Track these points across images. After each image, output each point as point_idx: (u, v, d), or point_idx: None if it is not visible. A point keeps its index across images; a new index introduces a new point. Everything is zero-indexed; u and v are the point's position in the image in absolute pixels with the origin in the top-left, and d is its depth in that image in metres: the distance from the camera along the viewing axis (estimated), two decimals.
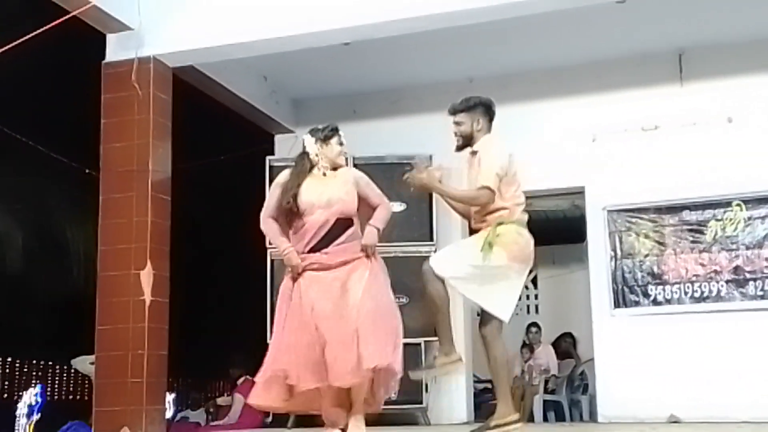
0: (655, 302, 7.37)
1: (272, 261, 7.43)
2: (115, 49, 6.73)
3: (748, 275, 7.14)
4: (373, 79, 8.12)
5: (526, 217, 4.98)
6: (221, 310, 14.16)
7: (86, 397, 14.88)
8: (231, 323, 13.35)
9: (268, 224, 4.93)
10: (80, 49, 7.46)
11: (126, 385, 6.23)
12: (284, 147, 8.49)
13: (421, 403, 7.28)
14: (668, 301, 7.35)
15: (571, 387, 9.11)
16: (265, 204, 4.97)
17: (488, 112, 5.12)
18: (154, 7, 6.62)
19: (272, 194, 4.93)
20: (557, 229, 9.32)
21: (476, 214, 5.01)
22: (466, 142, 5.09)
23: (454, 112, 5.18)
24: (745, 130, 7.27)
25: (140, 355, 6.25)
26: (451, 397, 7.76)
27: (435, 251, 7.30)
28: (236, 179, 10.29)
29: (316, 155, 4.90)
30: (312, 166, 4.89)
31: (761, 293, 7.09)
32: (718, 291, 7.21)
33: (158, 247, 6.50)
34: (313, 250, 4.75)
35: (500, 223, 4.84)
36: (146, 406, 6.23)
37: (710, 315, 7.16)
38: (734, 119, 7.31)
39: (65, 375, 17.45)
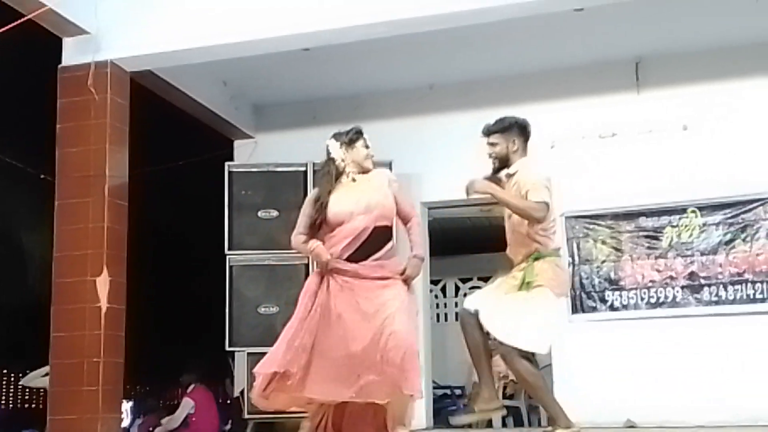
0: (612, 308, 7.43)
1: (231, 267, 7.39)
2: (72, 53, 6.65)
3: (702, 281, 7.23)
4: (333, 85, 8.11)
5: (559, 244, 4.89)
6: (180, 317, 14.04)
7: (41, 406, 14.65)
8: (189, 330, 13.26)
9: (297, 241, 4.70)
10: (36, 52, 7.36)
11: (81, 394, 6.15)
12: (244, 153, 8.46)
13: None
14: (625, 307, 7.41)
15: None
16: (298, 222, 4.72)
17: (523, 132, 4.95)
18: (112, 11, 6.57)
19: (303, 212, 4.70)
20: None
21: (514, 245, 4.88)
22: (502, 164, 4.93)
23: (488, 133, 4.98)
24: (700, 137, 7.37)
25: (96, 362, 6.17)
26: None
27: None
28: (195, 185, 10.23)
29: (342, 160, 4.67)
30: (339, 173, 4.66)
31: (716, 299, 7.18)
32: (674, 297, 7.29)
33: (115, 253, 6.44)
34: (348, 260, 4.50)
35: (537, 258, 4.74)
36: (102, 414, 6.15)
37: (666, 320, 7.24)
38: (689, 127, 7.40)
39: (20, 383, 17.17)
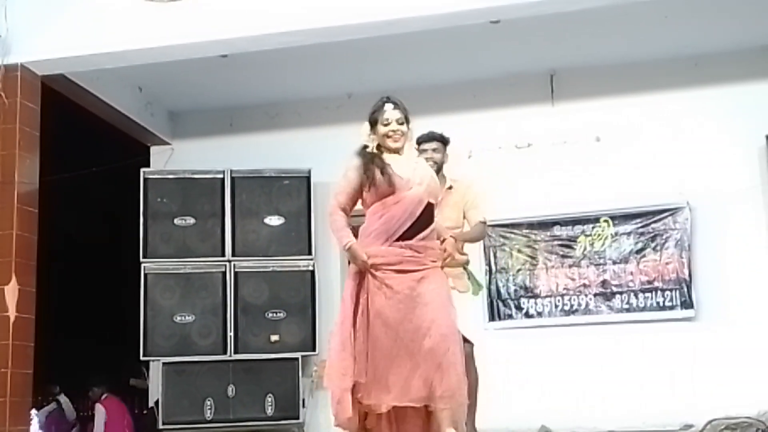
0: (528, 315, 7.54)
1: (146, 275, 7.27)
2: None
3: (614, 289, 7.39)
4: (251, 93, 8.05)
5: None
6: (93, 326, 13.76)
7: None
8: (102, 339, 13.01)
9: (335, 216, 4.23)
10: None
11: None
12: (160, 159, 8.35)
13: (297, 418, 7.24)
14: (540, 314, 7.54)
15: None
16: (339, 191, 4.27)
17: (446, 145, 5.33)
18: (23, 13, 6.41)
19: (348, 180, 4.23)
20: None
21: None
22: (438, 170, 5.10)
23: (430, 139, 5.21)
24: (612, 149, 7.55)
25: (3, 373, 6.02)
26: (328, 412, 7.64)
27: (313, 266, 7.35)
28: (110, 192, 10.04)
29: (371, 143, 4.27)
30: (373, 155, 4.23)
31: (627, 306, 7.35)
32: (587, 304, 7.44)
33: (24, 262, 6.28)
34: (402, 238, 4.10)
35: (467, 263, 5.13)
36: (9, 426, 5.99)
37: (579, 327, 7.38)
38: (602, 138, 7.58)
39: None
